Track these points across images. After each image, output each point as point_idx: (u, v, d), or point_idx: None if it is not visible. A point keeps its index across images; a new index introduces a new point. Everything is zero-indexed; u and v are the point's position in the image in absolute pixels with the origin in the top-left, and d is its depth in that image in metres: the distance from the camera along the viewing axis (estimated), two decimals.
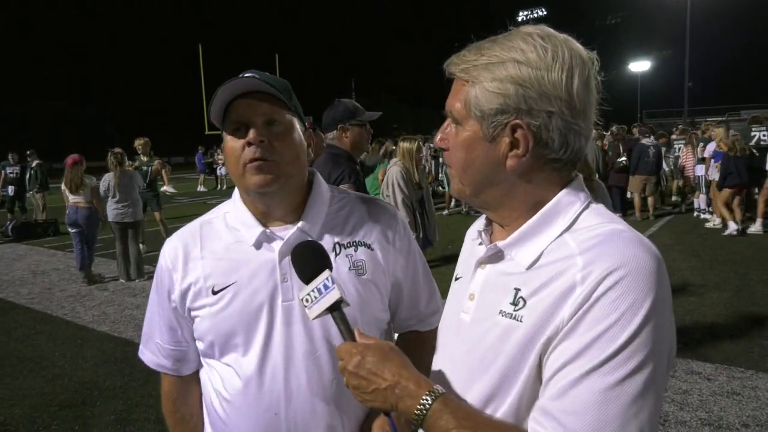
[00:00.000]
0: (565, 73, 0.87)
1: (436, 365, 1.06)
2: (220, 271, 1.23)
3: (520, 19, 53.18)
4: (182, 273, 1.26)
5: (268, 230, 1.24)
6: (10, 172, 13.26)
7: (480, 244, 1.04)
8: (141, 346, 1.40)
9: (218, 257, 1.25)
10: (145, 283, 7.53)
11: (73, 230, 7.56)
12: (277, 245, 1.23)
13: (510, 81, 0.87)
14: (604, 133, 12.62)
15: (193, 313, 1.26)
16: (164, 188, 18.44)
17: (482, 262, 0.99)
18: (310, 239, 1.19)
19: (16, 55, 57.06)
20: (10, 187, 13.22)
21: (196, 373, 1.37)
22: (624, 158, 11.47)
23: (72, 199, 7.50)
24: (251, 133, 1.16)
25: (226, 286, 1.22)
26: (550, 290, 0.84)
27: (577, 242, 0.87)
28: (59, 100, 56.89)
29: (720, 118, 19.85)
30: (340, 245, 1.26)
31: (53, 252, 10.17)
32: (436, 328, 1.14)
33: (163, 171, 10.03)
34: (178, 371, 1.36)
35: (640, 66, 55.01)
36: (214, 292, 1.22)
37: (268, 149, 1.18)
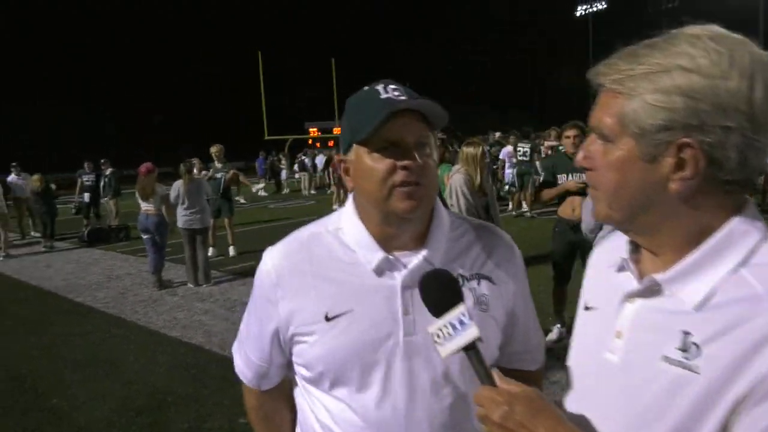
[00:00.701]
0: (746, 81, 0.72)
1: (578, 411, 0.92)
2: (335, 295, 1.13)
3: (578, 14, 51.08)
4: (290, 290, 1.16)
5: (391, 256, 1.14)
6: (86, 180, 14.02)
7: (619, 270, 0.91)
8: (235, 345, 1.36)
9: (332, 279, 1.14)
10: (212, 288, 7.70)
11: (145, 236, 7.85)
12: (399, 274, 1.13)
13: (677, 92, 0.74)
14: None
15: (298, 338, 1.16)
16: (255, 189, 19.49)
17: (632, 295, 0.86)
18: (441, 268, 1.08)
19: (16, 55, 56.55)
20: (85, 194, 13.97)
21: (277, 387, 1.32)
22: None
23: (143, 206, 7.78)
24: (411, 159, 1.06)
25: (342, 314, 1.11)
26: (735, 338, 0.71)
27: (761, 280, 0.73)
28: (59, 101, 56.03)
29: None
30: (463, 278, 1.15)
31: (125, 257, 10.60)
32: (543, 367, 1.01)
33: (240, 177, 10.24)
34: (258, 386, 1.32)
35: None
36: (328, 319, 1.12)
37: (420, 173, 1.08)
